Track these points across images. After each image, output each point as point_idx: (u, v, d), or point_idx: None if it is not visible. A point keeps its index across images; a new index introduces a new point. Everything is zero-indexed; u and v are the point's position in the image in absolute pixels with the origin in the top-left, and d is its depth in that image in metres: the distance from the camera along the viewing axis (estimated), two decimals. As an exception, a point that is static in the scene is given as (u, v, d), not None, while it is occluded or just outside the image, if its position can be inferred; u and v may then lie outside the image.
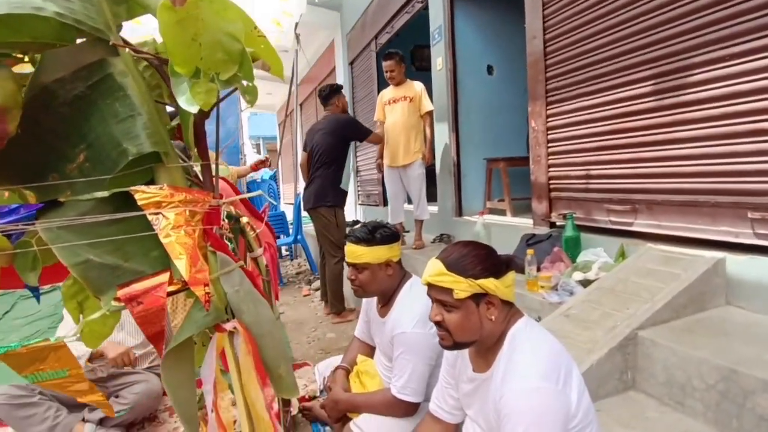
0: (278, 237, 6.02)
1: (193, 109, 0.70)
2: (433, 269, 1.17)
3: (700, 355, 1.46)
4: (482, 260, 1.16)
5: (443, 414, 1.38)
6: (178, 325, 0.77)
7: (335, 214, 3.64)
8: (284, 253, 6.77)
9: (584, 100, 2.50)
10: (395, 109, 3.74)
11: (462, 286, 1.13)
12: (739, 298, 1.80)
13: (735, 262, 1.81)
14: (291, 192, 8.78)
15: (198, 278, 0.67)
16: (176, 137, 0.90)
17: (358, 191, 6.72)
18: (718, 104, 1.85)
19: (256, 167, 4.30)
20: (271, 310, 0.89)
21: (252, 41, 0.74)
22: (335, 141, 3.66)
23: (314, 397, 2.24)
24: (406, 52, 4.03)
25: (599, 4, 2.36)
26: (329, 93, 3.76)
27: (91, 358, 2.11)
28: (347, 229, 2.78)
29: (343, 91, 3.89)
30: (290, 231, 6.05)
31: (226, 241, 1.09)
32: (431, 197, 4.06)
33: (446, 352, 1.37)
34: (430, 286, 1.19)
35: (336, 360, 2.16)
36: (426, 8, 4.27)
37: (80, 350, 2.08)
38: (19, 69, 0.73)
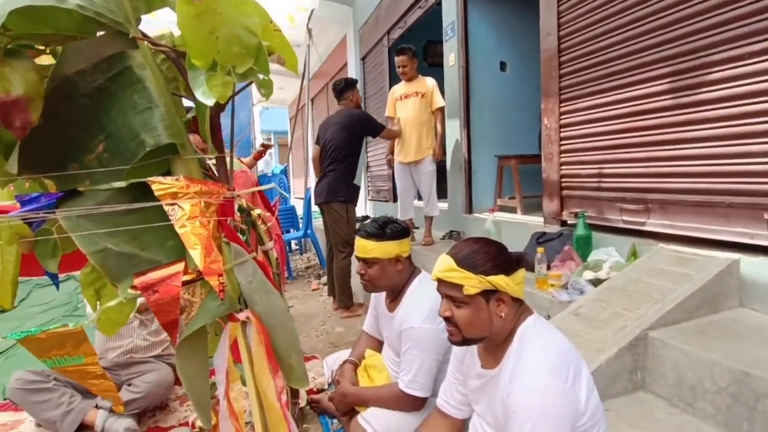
0: (288, 231, 6.06)
1: (210, 102, 0.70)
2: (444, 265, 1.17)
3: (711, 356, 1.45)
4: (493, 257, 1.16)
5: (450, 409, 1.39)
6: (192, 315, 0.79)
7: (347, 210, 3.64)
8: (294, 247, 6.81)
9: (598, 97, 2.47)
10: (407, 105, 3.73)
11: (472, 282, 1.13)
12: (753, 300, 1.78)
13: (749, 264, 1.78)
14: (301, 187, 8.81)
15: (212, 268, 0.68)
16: (192, 130, 0.91)
17: (369, 187, 6.72)
18: (734, 103, 1.82)
19: (259, 155, 4.27)
20: (283, 302, 0.90)
21: (268, 35, 0.75)
22: (349, 136, 3.66)
23: (322, 390, 2.26)
24: (418, 48, 4.01)
25: (615, 1, 2.33)
26: (344, 87, 3.76)
27: (140, 310, 2.15)
28: (357, 225, 2.79)
29: (357, 87, 3.88)
30: (300, 225, 6.08)
31: (239, 234, 1.11)
32: (441, 194, 4.05)
33: (455, 348, 1.37)
34: (440, 282, 1.19)
35: (344, 354, 2.17)
36: (439, 4, 4.24)
37: None
38: (39, 61, 0.74)
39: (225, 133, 0.92)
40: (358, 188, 3.82)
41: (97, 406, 2.09)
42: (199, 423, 2.01)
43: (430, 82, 3.69)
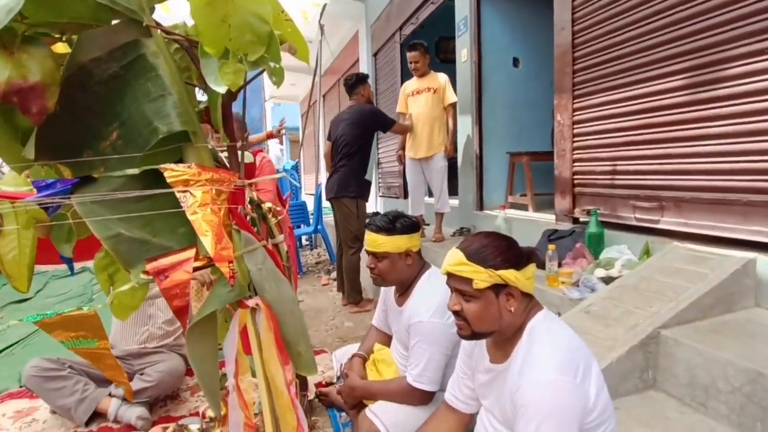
0: (299, 227, 6.09)
1: (222, 89, 0.71)
2: (453, 259, 1.17)
3: (725, 356, 1.42)
4: (503, 251, 1.15)
5: (458, 404, 1.39)
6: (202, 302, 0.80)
7: (357, 206, 3.65)
8: (304, 242, 6.84)
9: (612, 93, 2.43)
10: (418, 101, 3.72)
11: (482, 277, 1.12)
12: (769, 300, 1.75)
13: (766, 263, 1.75)
14: (312, 182, 8.85)
15: (223, 255, 0.69)
16: (204, 120, 0.92)
17: (379, 183, 6.73)
18: (752, 99, 1.78)
19: (270, 135, 4.24)
20: (293, 290, 0.91)
21: (279, 24, 0.75)
22: (359, 131, 3.66)
23: (331, 384, 2.27)
24: (430, 44, 4.00)
25: (632, -5, 2.29)
26: (355, 82, 3.76)
27: None
28: (367, 220, 2.80)
29: (368, 82, 3.88)
30: (311, 221, 6.11)
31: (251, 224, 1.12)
32: (452, 190, 4.03)
33: (463, 342, 1.37)
34: (450, 276, 1.19)
35: (353, 348, 2.18)
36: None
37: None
38: (55, 50, 0.75)
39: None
40: (369, 183, 3.82)
41: (110, 395, 2.13)
42: (209, 413, 2.04)
43: (442, 77, 3.67)
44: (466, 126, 4.06)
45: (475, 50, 3.91)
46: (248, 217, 1.06)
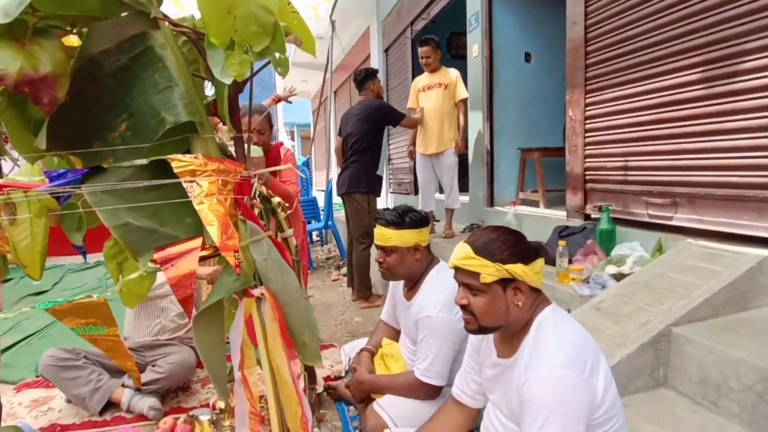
0: (309, 222, 6.12)
1: (228, 80, 0.72)
2: (461, 253, 1.17)
3: (738, 354, 1.40)
4: (511, 245, 1.14)
5: (465, 398, 1.38)
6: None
7: (368, 201, 3.66)
8: (315, 238, 6.87)
9: (625, 88, 2.40)
10: (429, 96, 3.70)
11: (489, 271, 1.12)
12: (785, 299, 1.71)
13: (782, 261, 1.71)
14: (323, 178, 8.88)
15: (228, 245, 0.70)
16: (211, 113, 0.93)
17: (390, 179, 6.72)
18: (770, 93, 1.74)
19: (278, 99, 4.16)
20: (298, 280, 0.92)
21: (285, 16, 0.75)
22: (369, 127, 3.66)
23: (339, 378, 2.29)
24: (442, 40, 3.97)
25: (646, -13, 2.25)
26: (364, 77, 3.76)
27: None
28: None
29: (378, 76, 3.87)
30: (321, 217, 6.13)
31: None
32: (463, 187, 4.01)
33: (471, 337, 1.36)
34: (457, 270, 1.19)
35: (361, 342, 2.19)
36: (463, -6, 4.19)
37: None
38: (66, 43, 0.77)
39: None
40: (380, 179, 3.83)
41: (123, 385, 2.17)
42: (219, 405, 2.07)
43: (453, 73, 3.65)
44: (477, 122, 4.04)
45: (487, 45, 3.88)
46: (256, 210, 1.07)
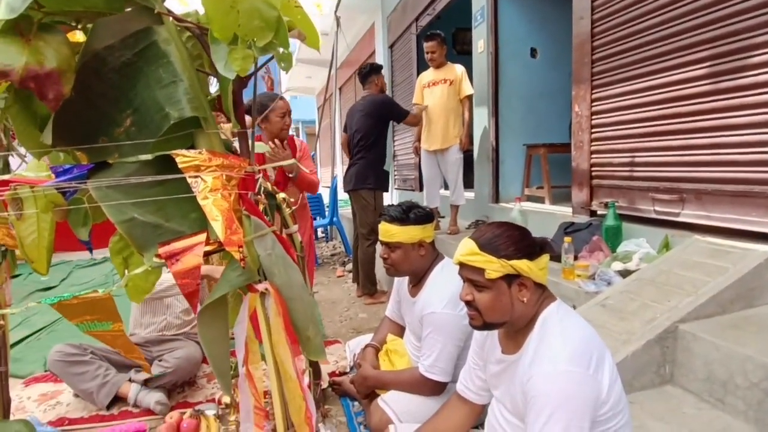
0: (314, 219, 6.13)
1: (231, 75, 0.72)
2: (466, 248, 1.16)
3: (745, 351, 1.39)
4: (516, 241, 1.14)
5: (470, 394, 1.39)
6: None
7: (375, 197, 3.66)
8: (320, 234, 6.89)
9: (632, 83, 2.38)
10: (434, 92, 3.69)
11: (494, 267, 1.11)
12: (793, 296, 1.69)
13: (791, 257, 1.69)
14: (328, 175, 8.88)
15: (233, 240, 0.70)
16: (216, 108, 0.94)
17: (395, 176, 6.72)
18: (781, 88, 1.72)
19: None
20: (302, 275, 0.92)
21: (288, 10, 0.75)
22: (373, 122, 3.66)
23: (344, 373, 2.29)
24: (447, 35, 3.95)
25: (654, -19, 2.23)
26: (368, 71, 3.75)
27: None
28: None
29: (382, 71, 3.87)
30: (326, 213, 6.14)
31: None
32: (468, 184, 4.00)
33: (476, 333, 1.36)
34: (462, 266, 1.19)
35: (366, 338, 2.19)
36: (469, -11, 4.16)
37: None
38: (71, 38, 0.77)
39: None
40: (387, 174, 3.83)
41: (130, 380, 2.19)
42: (225, 399, 2.08)
43: (458, 69, 3.64)
44: (482, 118, 4.02)
45: (492, 41, 3.85)
46: (261, 207, 1.07)
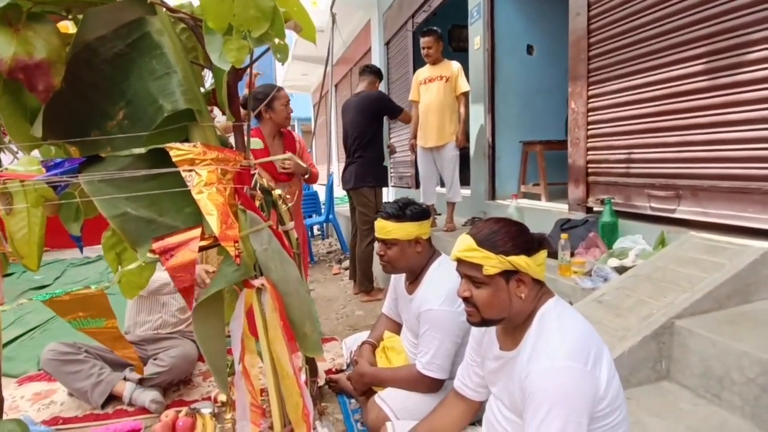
0: (310, 216, 6.11)
1: (226, 66, 0.70)
2: (463, 245, 1.16)
3: (741, 347, 1.39)
4: (514, 237, 1.13)
5: (467, 391, 1.38)
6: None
7: (375, 195, 3.66)
8: (316, 232, 6.87)
9: (628, 80, 2.38)
10: (431, 89, 3.68)
11: (492, 262, 1.11)
12: (789, 291, 1.70)
13: (786, 253, 1.70)
14: (324, 172, 8.85)
15: (228, 235, 0.69)
16: (211, 102, 0.92)
17: (391, 173, 6.71)
18: (778, 84, 1.72)
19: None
20: (299, 271, 0.91)
21: (284, 1, 0.74)
22: (368, 119, 3.65)
23: (341, 371, 2.29)
24: (443, 32, 3.94)
25: (651, -23, 2.22)
26: (372, 71, 3.80)
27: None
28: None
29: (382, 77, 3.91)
30: (322, 211, 6.12)
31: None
32: (464, 181, 4.00)
33: (473, 330, 1.36)
34: (460, 262, 1.18)
35: (363, 335, 2.19)
36: (465, -14, 4.15)
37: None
38: (62, 31, 0.75)
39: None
40: (386, 169, 3.83)
41: (125, 379, 2.17)
42: (221, 398, 2.07)
43: (455, 65, 3.63)
44: (478, 115, 4.02)
45: (488, 38, 3.84)
46: (258, 203, 1.06)
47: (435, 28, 3.69)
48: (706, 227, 2.03)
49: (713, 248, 1.87)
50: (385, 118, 3.86)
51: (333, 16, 6.28)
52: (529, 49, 3.99)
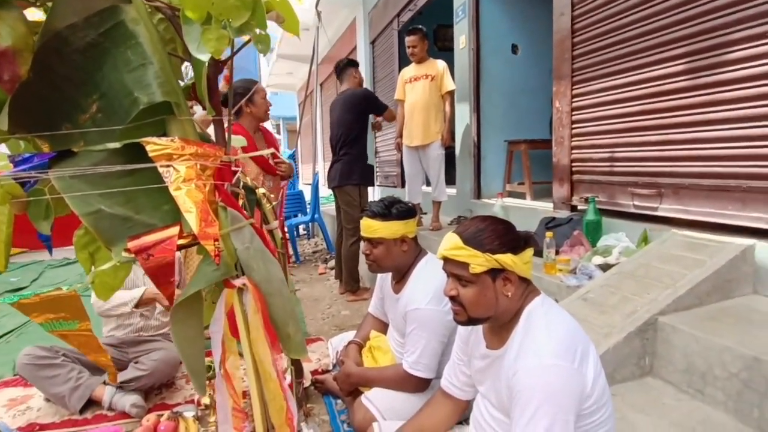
0: (296, 215, 6.06)
1: (204, 57, 0.68)
2: (450, 243, 1.15)
3: (723, 342, 1.41)
4: (500, 235, 1.13)
5: (454, 390, 1.37)
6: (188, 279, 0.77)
7: (360, 193, 3.63)
8: (301, 231, 6.82)
9: (612, 79, 2.40)
10: (416, 88, 3.67)
11: (478, 261, 1.10)
12: (767, 287, 1.73)
13: (765, 250, 1.73)
14: (309, 171, 8.80)
15: (208, 233, 0.66)
16: (191, 97, 0.89)
17: (377, 172, 6.70)
18: (754, 84, 1.75)
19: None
20: (281, 270, 0.88)
21: (266, -9, 0.72)
22: (354, 117, 3.63)
23: (327, 371, 2.26)
24: (429, 32, 3.94)
25: (633, -22, 2.25)
26: (345, 65, 3.74)
27: (139, 305, 2.17)
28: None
29: (363, 67, 3.85)
30: (308, 210, 6.08)
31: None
32: (450, 180, 4.00)
33: (460, 328, 1.35)
34: (446, 261, 1.17)
35: (349, 335, 2.17)
36: (451, -15, 4.15)
37: (127, 297, 2.18)
38: (30, 17, 0.72)
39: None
40: (372, 169, 3.81)
41: (105, 383, 2.11)
42: (204, 400, 2.03)
43: (440, 64, 3.63)
44: (464, 114, 4.02)
45: (474, 37, 3.86)
46: (241, 201, 1.03)
47: (420, 26, 3.69)
48: (688, 225, 2.06)
49: (694, 245, 1.90)
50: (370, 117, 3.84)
51: (318, 13, 6.23)
52: (514, 49, 4.01)
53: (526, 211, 3.16)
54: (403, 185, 5.18)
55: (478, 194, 4.00)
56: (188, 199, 0.66)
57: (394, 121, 3.89)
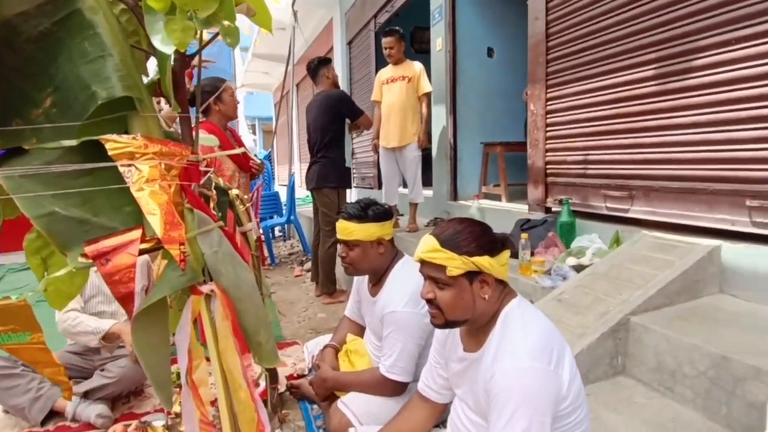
0: (271, 217, 5.97)
1: (168, 50, 0.64)
2: (427, 246, 1.13)
3: (691, 341, 1.44)
4: (477, 237, 1.12)
5: (432, 393, 1.36)
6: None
7: (338, 195, 3.60)
8: (277, 233, 6.72)
9: (585, 83, 2.45)
10: (393, 89, 3.66)
11: (455, 263, 1.09)
12: (732, 287, 1.79)
13: (730, 251, 1.79)
14: (285, 173, 8.69)
15: (173, 236, 0.63)
16: (157, 93, 0.85)
17: (354, 173, 6.66)
18: (719, 89, 1.81)
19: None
20: (253, 275, 0.85)
21: (235, -19, 0.68)
22: (329, 119, 3.59)
23: (303, 376, 2.22)
24: (405, 34, 3.94)
25: (605, -16, 2.30)
26: (317, 65, 3.67)
27: (105, 337, 2.06)
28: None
29: (337, 67, 3.80)
30: (284, 212, 6.00)
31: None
32: (427, 181, 4.01)
33: (437, 331, 1.34)
34: (423, 263, 1.16)
35: (325, 339, 2.13)
36: (427, -13, 4.17)
37: (94, 325, 2.04)
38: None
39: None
40: (349, 171, 3.78)
41: (67, 392, 2.01)
42: (175, 409, 1.96)
43: (417, 66, 3.63)
44: (440, 116, 4.04)
45: (450, 39, 3.88)
46: (212, 205, 0.99)
47: (397, 28, 3.68)
48: (658, 226, 2.11)
49: (664, 246, 1.95)
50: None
51: (294, 13, 6.17)
52: (490, 52, 4.05)
53: (502, 212, 3.19)
54: (379, 187, 5.16)
55: (455, 196, 4.02)
56: (152, 200, 0.63)
57: (370, 128, 3.86)
